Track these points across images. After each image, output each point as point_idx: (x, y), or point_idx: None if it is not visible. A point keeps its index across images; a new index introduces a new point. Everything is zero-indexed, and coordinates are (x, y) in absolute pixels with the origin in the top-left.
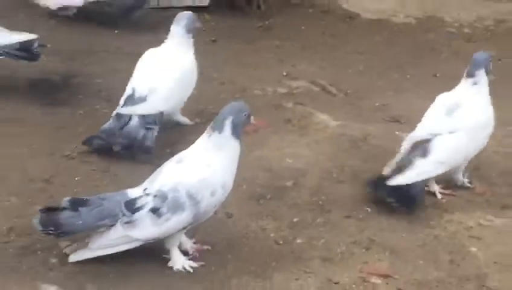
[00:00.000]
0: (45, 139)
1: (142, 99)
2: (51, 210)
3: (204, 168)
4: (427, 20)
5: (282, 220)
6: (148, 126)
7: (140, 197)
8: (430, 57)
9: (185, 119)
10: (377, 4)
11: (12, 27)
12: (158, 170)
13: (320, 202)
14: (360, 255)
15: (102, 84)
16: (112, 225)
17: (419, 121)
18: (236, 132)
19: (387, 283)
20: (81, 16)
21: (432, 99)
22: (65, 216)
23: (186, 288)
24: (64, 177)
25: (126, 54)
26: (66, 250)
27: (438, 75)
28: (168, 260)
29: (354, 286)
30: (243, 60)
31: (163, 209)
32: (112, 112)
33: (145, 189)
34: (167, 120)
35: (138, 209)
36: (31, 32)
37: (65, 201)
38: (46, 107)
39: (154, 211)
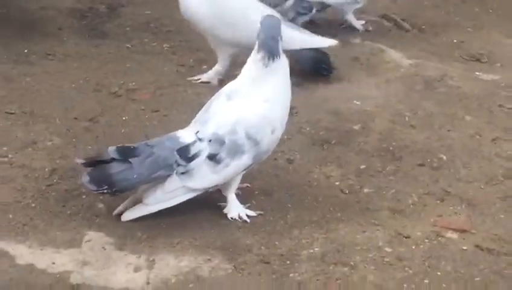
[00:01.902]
0: (91, 74)
1: None
2: (97, 163)
3: (261, 103)
4: None
5: (348, 167)
6: (301, 11)
7: (194, 142)
8: None
9: (357, 23)
10: None
11: None
12: (206, 106)
13: (390, 148)
14: (433, 207)
15: (150, 15)
16: (167, 176)
17: (502, 60)
18: (277, 56)
19: (463, 238)
20: None
21: None
22: (117, 170)
23: (241, 239)
24: (111, 116)
25: None
26: (119, 208)
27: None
28: (223, 207)
29: (426, 240)
30: None
31: (222, 155)
32: (162, 46)
33: (197, 132)
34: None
35: (194, 157)
36: None
37: (112, 151)
38: (92, 39)
39: (212, 157)
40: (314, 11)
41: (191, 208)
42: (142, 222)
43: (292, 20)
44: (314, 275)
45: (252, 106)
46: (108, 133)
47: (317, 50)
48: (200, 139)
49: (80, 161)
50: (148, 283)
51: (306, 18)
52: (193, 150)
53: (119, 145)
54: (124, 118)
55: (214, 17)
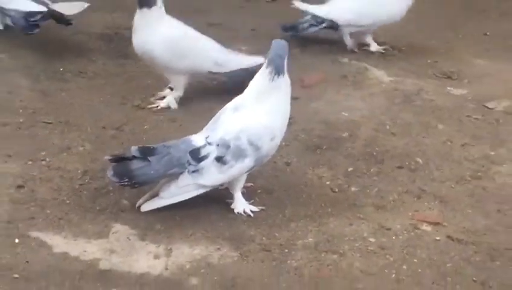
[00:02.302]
0: (117, 90)
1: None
2: (121, 160)
3: (263, 115)
4: None
5: (337, 169)
6: (313, 23)
7: (204, 146)
8: (481, 17)
9: (376, 47)
10: None
11: None
12: (215, 117)
13: (373, 153)
14: (411, 203)
15: None
16: (180, 173)
17: (470, 77)
18: (281, 70)
19: (436, 230)
20: None
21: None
22: (137, 166)
23: (246, 230)
24: (134, 125)
25: (192, 12)
26: (140, 201)
27: (488, 33)
28: (230, 203)
29: (405, 232)
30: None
31: (227, 158)
32: None
33: (207, 137)
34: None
35: (203, 158)
36: None
37: (134, 150)
38: (117, 60)
39: (219, 159)
40: (323, 25)
41: (203, 203)
42: (160, 215)
43: (304, 30)
44: (309, 262)
45: (255, 116)
46: (132, 139)
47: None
48: (209, 143)
49: (107, 157)
50: (166, 269)
51: (316, 29)
52: (203, 152)
53: (140, 146)
54: (145, 127)
55: (169, 52)
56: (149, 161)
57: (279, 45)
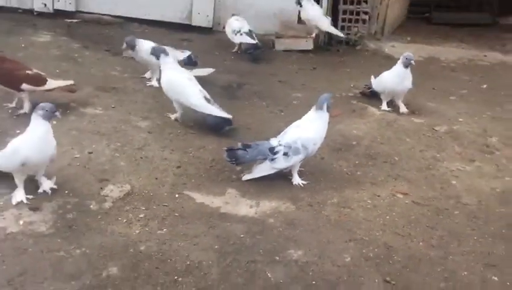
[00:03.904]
0: (232, 113)
1: None
2: (232, 149)
3: (311, 130)
4: (430, 59)
5: (349, 162)
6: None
7: (278, 146)
8: (433, 78)
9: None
10: (402, 50)
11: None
12: (284, 131)
13: (370, 153)
14: (391, 182)
15: (256, 89)
16: (264, 160)
17: (424, 112)
18: (328, 109)
19: (405, 198)
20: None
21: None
22: (240, 154)
23: (299, 194)
24: (238, 136)
25: (269, 75)
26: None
27: (435, 88)
28: (291, 178)
29: (387, 197)
30: (329, 78)
31: (290, 153)
32: (261, 103)
33: (279, 141)
34: None
35: (276, 152)
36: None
37: (239, 145)
38: (230, 99)
39: (285, 154)
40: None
41: (276, 179)
42: (253, 184)
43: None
44: (333, 212)
45: (306, 131)
46: (235, 140)
47: (218, 116)
48: (280, 144)
49: (224, 148)
50: (255, 213)
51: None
52: (277, 149)
53: (244, 142)
54: (245, 137)
55: (171, 91)
56: (247, 151)
57: (325, 96)
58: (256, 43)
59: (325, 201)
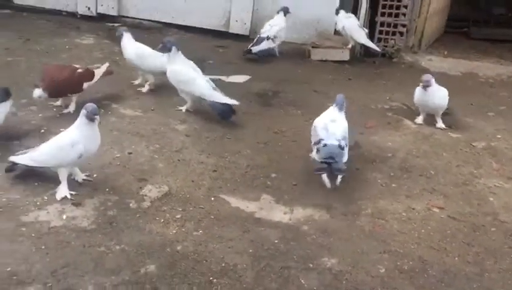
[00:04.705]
0: (266, 122)
1: None
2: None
3: (342, 124)
4: (468, 74)
5: (383, 174)
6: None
7: (341, 141)
8: (471, 94)
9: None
10: (439, 64)
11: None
12: (322, 128)
13: (405, 166)
14: (426, 196)
15: (292, 97)
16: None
17: (462, 128)
18: (344, 109)
19: (441, 212)
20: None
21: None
22: (335, 166)
23: (334, 202)
24: (273, 142)
25: (303, 83)
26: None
27: (472, 104)
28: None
29: (423, 211)
30: (365, 89)
31: (345, 143)
32: (297, 111)
33: (337, 139)
34: None
35: (343, 148)
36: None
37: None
38: (264, 107)
39: (341, 147)
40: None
41: (312, 188)
42: (287, 191)
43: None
44: (368, 223)
45: (340, 125)
46: (275, 150)
47: (225, 104)
48: (338, 140)
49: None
50: (290, 220)
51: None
52: (342, 145)
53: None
54: (279, 144)
55: (180, 82)
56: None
57: (342, 96)
58: (268, 48)
59: (359, 211)
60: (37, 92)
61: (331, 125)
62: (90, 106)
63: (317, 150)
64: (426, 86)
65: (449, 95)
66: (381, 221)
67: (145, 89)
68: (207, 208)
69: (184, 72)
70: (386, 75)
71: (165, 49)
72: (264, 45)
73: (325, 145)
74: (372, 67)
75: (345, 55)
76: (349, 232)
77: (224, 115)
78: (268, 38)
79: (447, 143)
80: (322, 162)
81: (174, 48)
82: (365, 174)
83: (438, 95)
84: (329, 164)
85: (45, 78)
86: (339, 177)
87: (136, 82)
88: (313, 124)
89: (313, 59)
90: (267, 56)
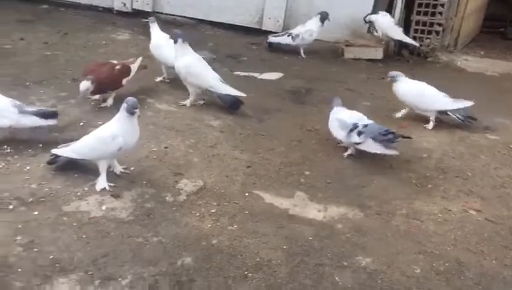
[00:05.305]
0: (298, 120)
1: None
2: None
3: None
4: (505, 75)
5: (419, 174)
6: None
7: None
8: (509, 95)
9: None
10: (475, 64)
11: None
12: (350, 114)
13: (441, 167)
14: (463, 197)
15: (325, 95)
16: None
17: (500, 130)
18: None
19: (478, 214)
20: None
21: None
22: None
23: (368, 201)
24: (307, 140)
25: (336, 81)
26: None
27: (510, 105)
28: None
29: (459, 213)
30: None
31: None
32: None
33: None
34: None
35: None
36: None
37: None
38: (298, 104)
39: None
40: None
41: (345, 186)
42: (321, 189)
43: None
44: (403, 223)
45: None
46: (307, 147)
47: (234, 96)
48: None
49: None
50: (324, 217)
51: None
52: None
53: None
54: (313, 142)
55: (189, 75)
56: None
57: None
58: (283, 44)
59: (394, 211)
60: (85, 84)
61: (357, 113)
62: (131, 100)
63: (359, 133)
64: (392, 82)
65: (482, 96)
66: (417, 221)
67: (158, 79)
68: (241, 204)
69: (193, 64)
70: (420, 74)
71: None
72: (280, 39)
73: (365, 125)
74: (406, 66)
75: (379, 54)
76: (384, 231)
77: (233, 106)
78: (289, 35)
79: (484, 145)
80: (383, 134)
81: (179, 40)
82: (400, 174)
83: (402, 92)
84: (391, 133)
85: (89, 74)
86: (350, 151)
87: (159, 79)
88: (332, 121)
89: (346, 57)
90: (278, 49)
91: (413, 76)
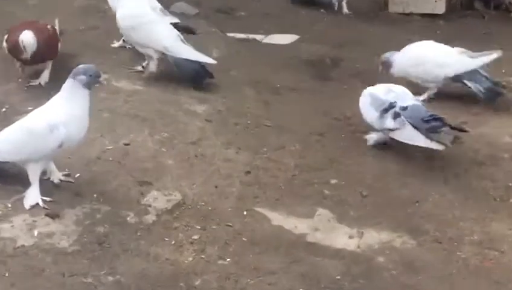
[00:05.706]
0: (320, 104)
1: None
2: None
3: None
4: None
5: (498, 182)
6: None
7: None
8: None
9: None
10: None
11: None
12: (386, 90)
13: None
14: None
15: (359, 68)
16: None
17: None
18: None
19: None
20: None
21: None
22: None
23: (422, 224)
24: (333, 133)
25: (375, 46)
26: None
27: None
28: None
29: None
30: None
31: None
32: (356, 85)
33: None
34: None
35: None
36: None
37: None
38: (321, 81)
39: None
40: None
41: (386, 200)
42: (353, 205)
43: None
44: (473, 255)
45: None
46: (331, 145)
47: (199, 63)
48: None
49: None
50: (358, 247)
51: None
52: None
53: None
54: (342, 135)
55: (134, 32)
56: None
57: None
58: None
59: (460, 237)
60: (30, 36)
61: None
62: (86, 66)
63: (395, 115)
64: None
65: None
66: (494, 252)
67: (117, 44)
68: (237, 227)
69: (137, 14)
70: (501, 36)
71: None
72: None
73: (404, 107)
74: (479, 24)
75: (439, 6)
76: (446, 267)
77: (195, 78)
78: None
79: None
80: (426, 120)
81: None
82: (470, 183)
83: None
84: (438, 119)
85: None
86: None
87: (117, 44)
88: (363, 96)
89: (392, 11)
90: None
91: (490, 38)
